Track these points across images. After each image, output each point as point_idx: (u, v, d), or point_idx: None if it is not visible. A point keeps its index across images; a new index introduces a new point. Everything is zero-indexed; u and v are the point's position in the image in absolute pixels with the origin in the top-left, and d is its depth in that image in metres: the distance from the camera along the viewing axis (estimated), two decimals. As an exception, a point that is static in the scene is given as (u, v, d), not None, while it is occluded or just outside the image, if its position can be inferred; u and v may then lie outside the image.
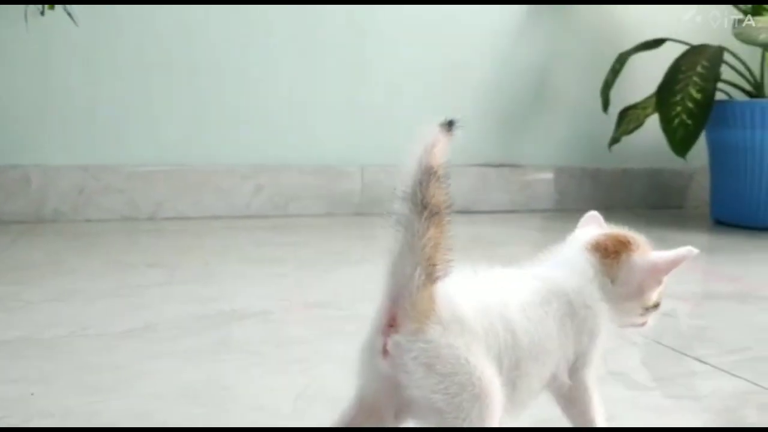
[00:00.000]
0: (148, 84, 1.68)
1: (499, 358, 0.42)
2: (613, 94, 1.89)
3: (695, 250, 0.51)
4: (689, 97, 1.66)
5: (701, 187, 2.20)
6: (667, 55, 1.78)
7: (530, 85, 2.06)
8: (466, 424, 0.39)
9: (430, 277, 0.40)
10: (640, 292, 0.50)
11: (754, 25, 1.55)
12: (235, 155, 1.77)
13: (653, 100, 1.80)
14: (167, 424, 0.56)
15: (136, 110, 1.68)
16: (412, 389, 0.39)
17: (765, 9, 1.76)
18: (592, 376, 0.48)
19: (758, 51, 1.80)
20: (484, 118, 2.01)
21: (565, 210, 2.06)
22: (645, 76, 1.94)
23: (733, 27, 1.59)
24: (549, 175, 2.08)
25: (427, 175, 0.39)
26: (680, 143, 1.68)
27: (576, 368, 0.47)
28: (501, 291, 0.44)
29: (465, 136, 1.71)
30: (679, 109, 1.67)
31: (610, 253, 0.50)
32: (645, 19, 2.09)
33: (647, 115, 1.85)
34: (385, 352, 0.40)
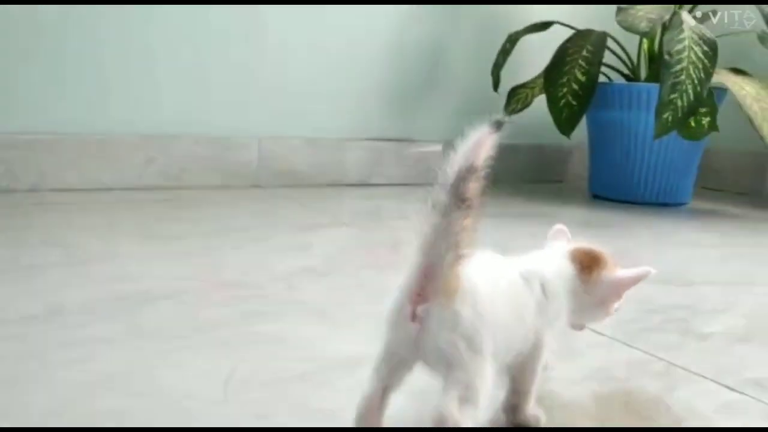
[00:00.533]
0: (26, 44, 1.56)
1: (503, 323, 0.50)
2: (503, 73, 1.97)
3: (653, 270, 0.60)
4: (575, 80, 1.76)
5: (580, 163, 2.35)
6: (555, 37, 1.87)
7: (424, 63, 2.09)
8: (476, 380, 0.47)
9: (459, 258, 0.46)
10: (604, 303, 0.60)
11: (635, 13, 1.66)
12: (124, 124, 1.69)
13: (540, 80, 1.89)
14: (96, 417, 0.54)
15: (15, 73, 1.56)
16: (434, 345, 0.47)
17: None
18: (545, 353, 0.56)
19: (636, 37, 1.93)
20: (380, 94, 2.03)
21: (456, 184, 2.13)
22: (533, 57, 2.02)
23: (616, 14, 1.69)
24: (441, 150, 2.13)
25: (471, 173, 0.44)
26: (565, 123, 1.78)
27: (537, 341, 0.55)
28: (499, 269, 0.53)
29: (361, 111, 1.73)
30: (565, 90, 1.77)
31: (584, 267, 0.59)
32: (534, 3, 2.18)
33: (535, 95, 1.94)
34: (413, 317, 0.47)
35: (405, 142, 2.08)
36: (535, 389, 0.56)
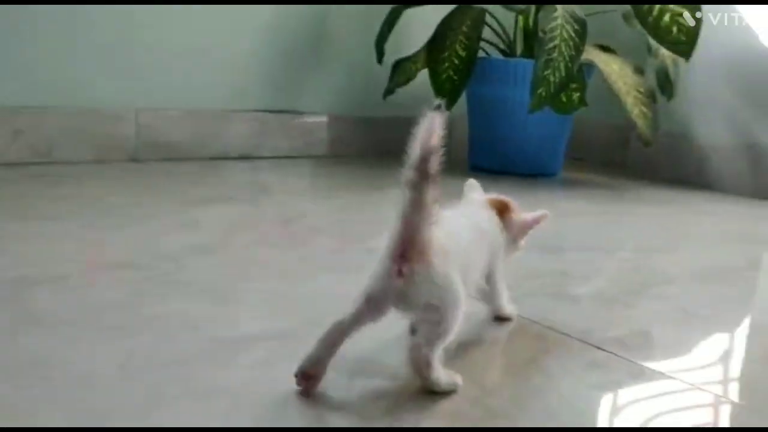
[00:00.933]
0: None
1: (462, 267, 0.61)
2: (387, 46, 1.99)
3: (548, 213, 0.76)
4: (456, 54, 1.81)
5: (460, 136, 2.42)
6: (436, 11, 1.90)
7: (308, 34, 2.08)
8: (449, 318, 0.58)
9: (430, 224, 0.56)
10: (515, 240, 0.76)
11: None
12: (-14, 95, 1.58)
13: (423, 54, 1.93)
14: (-16, 410, 0.53)
15: None
16: (420, 297, 0.57)
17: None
18: (500, 279, 0.75)
19: (513, 14, 2.00)
20: (263, 65, 2.00)
21: (340, 156, 2.14)
22: (416, 31, 2.05)
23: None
24: (326, 122, 2.14)
25: (431, 153, 0.53)
26: (447, 96, 1.83)
27: (490, 274, 0.73)
28: (454, 224, 0.64)
29: (243, 82, 1.71)
30: (446, 65, 1.82)
31: (499, 212, 0.74)
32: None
33: (418, 69, 1.98)
34: (400, 274, 0.56)
35: (289, 114, 2.06)
36: (506, 301, 0.77)
